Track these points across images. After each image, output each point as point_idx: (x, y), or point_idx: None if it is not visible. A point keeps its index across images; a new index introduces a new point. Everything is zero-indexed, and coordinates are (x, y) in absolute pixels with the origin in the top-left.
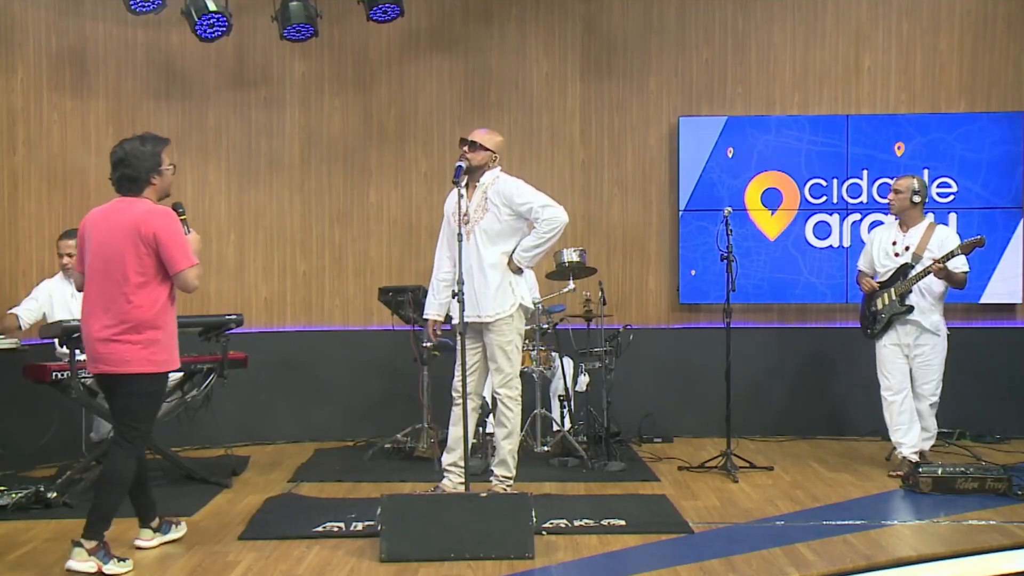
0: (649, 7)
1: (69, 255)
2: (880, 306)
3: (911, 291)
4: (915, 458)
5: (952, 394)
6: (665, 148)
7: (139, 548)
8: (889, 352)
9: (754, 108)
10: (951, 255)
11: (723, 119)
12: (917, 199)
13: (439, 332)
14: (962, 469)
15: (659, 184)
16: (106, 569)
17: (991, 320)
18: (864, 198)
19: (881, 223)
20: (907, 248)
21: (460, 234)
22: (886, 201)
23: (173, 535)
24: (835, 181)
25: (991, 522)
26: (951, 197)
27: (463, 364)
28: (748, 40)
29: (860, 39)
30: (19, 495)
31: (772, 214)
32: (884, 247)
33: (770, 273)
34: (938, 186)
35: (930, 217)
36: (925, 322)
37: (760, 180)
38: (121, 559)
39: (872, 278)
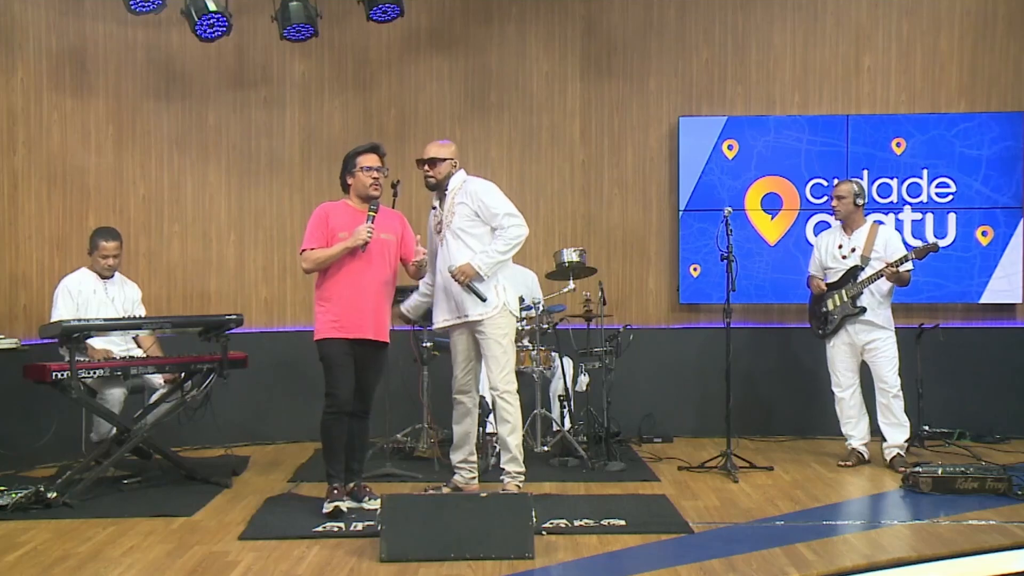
0: (649, 7)
1: (114, 256)
2: (831, 307)
3: (862, 293)
4: (864, 450)
5: (952, 394)
6: (665, 148)
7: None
8: (840, 352)
9: (754, 108)
10: (904, 260)
11: (723, 119)
12: (860, 201)
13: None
14: (962, 469)
15: (659, 184)
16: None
17: (991, 320)
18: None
19: (828, 225)
20: (853, 250)
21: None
22: (832, 207)
23: (366, 505)
24: (835, 181)
25: (991, 522)
26: (951, 197)
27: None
28: (748, 40)
29: (860, 39)
30: (19, 495)
31: (772, 216)
32: (831, 251)
33: (771, 274)
34: (938, 186)
35: (871, 218)
36: (877, 319)
37: (760, 180)
38: (331, 500)
39: (822, 280)
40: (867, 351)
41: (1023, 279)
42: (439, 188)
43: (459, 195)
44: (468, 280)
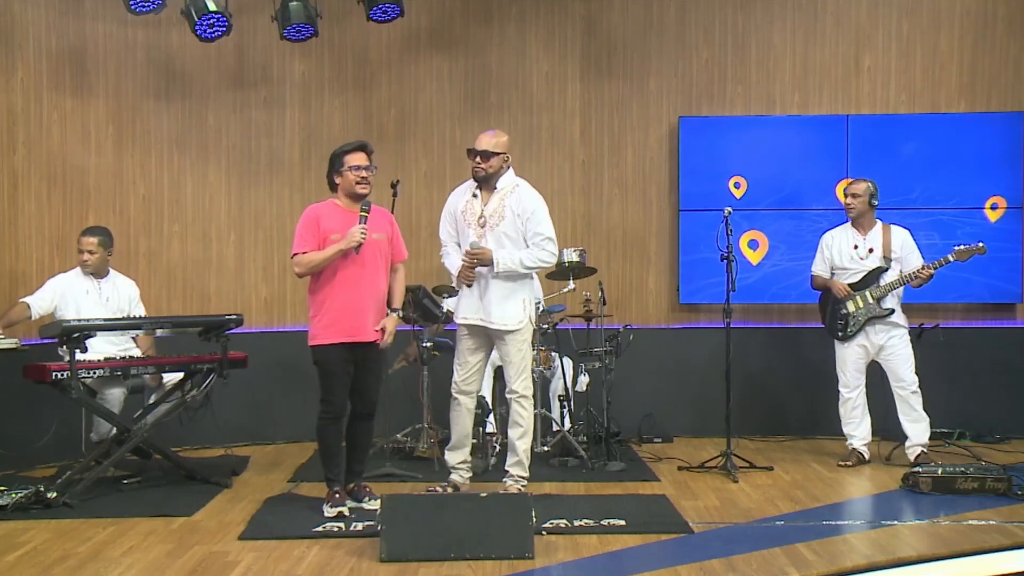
0: (649, 7)
1: (90, 252)
2: (853, 309)
3: (888, 294)
4: (864, 450)
5: (952, 394)
6: (665, 148)
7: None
8: (853, 352)
9: (754, 108)
10: (946, 262)
11: (723, 119)
12: (874, 202)
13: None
14: (962, 469)
15: (659, 184)
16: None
17: (991, 320)
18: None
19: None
20: (871, 250)
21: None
22: (845, 204)
23: (365, 505)
24: (835, 182)
25: (991, 522)
26: (951, 197)
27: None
28: (748, 40)
29: (860, 39)
30: (19, 495)
31: (772, 214)
32: (845, 251)
33: (770, 273)
34: (938, 186)
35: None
36: (897, 319)
37: (760, 180)
38: (334, 505)
39: (833, 279)
40: (883, 350)
41: (1023, 279)
42: (487, 182)
43: (511, 199)
44: (475, 263)
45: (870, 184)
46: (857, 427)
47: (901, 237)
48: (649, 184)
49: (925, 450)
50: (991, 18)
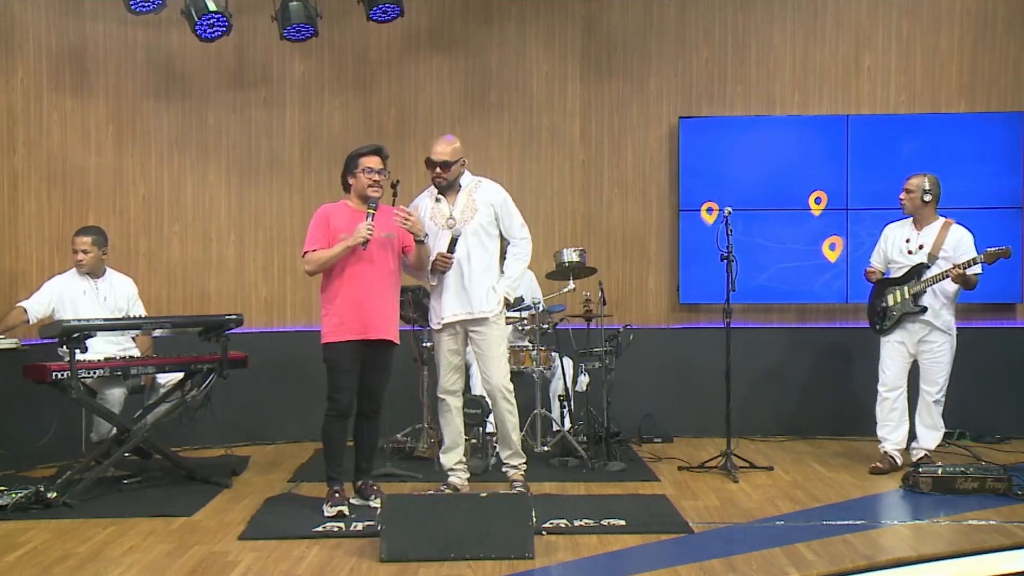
0: (649, 7)
1: (84, 252)
2: (891, 303)
3: (925, 291)
4: (897, 455)
5: (952, 394)
6: (665, 148)
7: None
8: (893, 349)
9: (754, 108)
10: (973, 263)
11: (723, 119)
12: (928, 198)
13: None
14: (962, 469)
15: (659, 184)
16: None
17: (991, 320)
18: (864, 199)
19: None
20: (921, 247)
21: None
22: (899, 199)
23: (371, 503)
24: (834, 182)
25: (991, 522)
26: (951, 198)
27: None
28: (748, 40)
29: (860, 39)
30: (19, 495)
31: (771, 214)
32: (898, 244)
33: (770, 273)
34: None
35: (942, 217)
36: (937, 321)
37: (759, 180)
38: (334, 505)
39: (884, 275)
40: (920, 350)
41: (1023, 279)
42: (450, 186)
43: (478, 194)
44: (449, 264)
45: (926, 179)
46: (893, 431)
47: (957, 236)
48: (649, 184)
49: (929, 456)
50: (991, 18)
